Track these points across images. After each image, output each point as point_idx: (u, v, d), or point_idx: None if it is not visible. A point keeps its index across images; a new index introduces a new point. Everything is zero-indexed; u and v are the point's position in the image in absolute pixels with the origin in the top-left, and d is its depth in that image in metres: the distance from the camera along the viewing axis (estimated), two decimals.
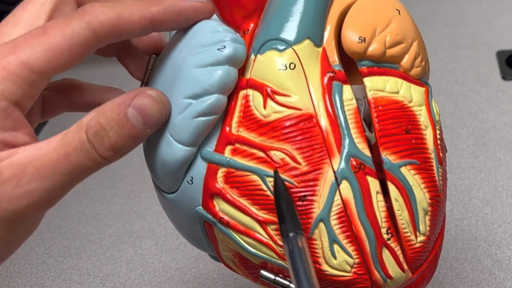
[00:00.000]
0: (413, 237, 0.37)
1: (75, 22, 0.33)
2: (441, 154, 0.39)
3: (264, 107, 0.37)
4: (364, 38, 0.38)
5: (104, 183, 0.69)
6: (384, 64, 0.38)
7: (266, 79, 0.37)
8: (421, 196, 0.37)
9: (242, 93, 0.37)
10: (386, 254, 0.36)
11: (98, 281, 0.57)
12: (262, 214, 0.36)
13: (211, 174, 0.37)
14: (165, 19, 0.35)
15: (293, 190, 0.36)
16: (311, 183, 0.36)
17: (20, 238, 0.34)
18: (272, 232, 0.36)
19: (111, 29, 0.34)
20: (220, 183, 0.37)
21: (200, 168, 0.38)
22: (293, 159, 0.36)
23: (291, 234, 0.34)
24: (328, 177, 0.36)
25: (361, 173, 0.36)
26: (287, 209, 0.35)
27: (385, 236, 0.36)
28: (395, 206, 0.37)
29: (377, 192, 0.36)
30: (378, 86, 0.38)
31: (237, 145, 0.37)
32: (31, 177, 0.32)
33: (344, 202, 0.36)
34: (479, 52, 0.82)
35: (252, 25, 0.39)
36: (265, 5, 0.39)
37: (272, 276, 0.38)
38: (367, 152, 0.36)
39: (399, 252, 0.36)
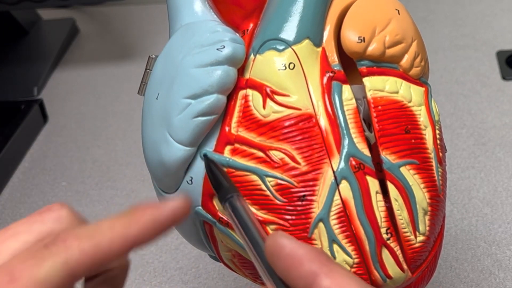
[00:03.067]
0: (412, 237, 0.37)
1: (48, 262, 0.27)
2: (440, 154, 0.39)
3: (264, 107, 0.37)
4: (364, 38, 0.38)
5: (104, 183, 0.69)
6: (384, 64, 0.38)
7: (265, 79, 0.37)
8: (421, 196, 0.37)
9: (241, 93, 0.37)
10: (385, 254, 0.36)
11: None
12: (261, 214, 0.36)
13: None
14: (146, 237, 0.29)
15: (292, 190, 0.36)
16: (311, 183, 0.36)
17: None
18: (271, 232, 0.36)
19: (90, 265, 0.28)
20: None
21: (199, 168, 0.38)
22: (293, 159, 0.36)
23: (230, 195, 0.34)
24: (327, 177, 0.36)
25: (360, 173, 0.36)
26: (222, 176, 0.35)
27: (385, 236, 0.36)
28: (395, 206, 0.37)
29: (377, 192, 0.36)
30: (377, 86, 0.38)
31: (237, 145, 0.37)
32: None
33: (343, 202, 0.36)
34: (479, 52, 0.82)
35: (251, 25, 0.39)
36: (264, 5, 0.39)
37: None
38: (366, 152, 0.36)
39: (398, 252, 0.36)
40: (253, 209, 0.37)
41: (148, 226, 0.29)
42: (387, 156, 0.37)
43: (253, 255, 0.31)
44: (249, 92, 0.37)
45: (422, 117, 0.39)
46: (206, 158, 0.37)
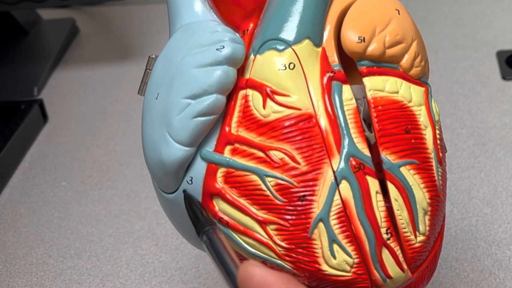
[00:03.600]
0: (412, 237, 0.37)
1: None
2: (440, 154, 0.39)
3: (264, 107, 0.37)
4: (364, 38, 0.38)
5: (104, 183, 0.69)
6: (384, 64, 0.38)
7: (265, 79, 0.37)
8: (421, 196, 0.37)
9: (241, 93, 0.37)
10: (385, 254, 0.36)
11: (98, 281, 0.57)
12: (261, 214, 0.36)
13: (210, 174, 0.37)
14: None
15: (292, 190, 0.36)
16: (311, 183, 0.36)
17: None
18: (271, 232, 0.36)
19: None
20: (219, 183, 0.37)
21: (199, 168, 0.38)
22: (293, 159, 0.36)
23: (207, 228, 0.36)
24: (327, 177, 0.36)
25: (360, 173, 0.36)
26: (199, 210, 0.37)
27: (385, 236, 0.36)
28: (395, 206, 0.37)
29: (377, 192, 0.36)
30: (377, 86, 0.38)
31: (237, 145, 0.37)
32: None
33: (343, 202, 0.36)
34: (479, 52, 0.82)
35: (251, 25, 0.39)
36: (264, 5, 0.39)
37: None
38: (366, 152, 0.36)
39: (398, 252, 0.36)
40: (253, 209, 0.37)
41: None
42: (387, 156, 0.37)
43: (228, 285, 0.32)
44: (249, 92, 0.37)
45: (422, 117, 0.39)
46: (184, 193, 0.38)
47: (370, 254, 0.36)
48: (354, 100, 0.37)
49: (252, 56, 0.38)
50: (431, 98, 0.40)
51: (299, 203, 0.36)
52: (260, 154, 0.36)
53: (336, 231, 0.36)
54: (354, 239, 0.36)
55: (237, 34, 0.38)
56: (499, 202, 0.61)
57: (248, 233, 0.37)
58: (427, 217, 0.38)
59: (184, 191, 0.38)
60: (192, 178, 0.38)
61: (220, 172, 0.37)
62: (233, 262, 0.33)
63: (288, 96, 0.37)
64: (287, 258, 0.36)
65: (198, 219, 0.37)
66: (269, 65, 0.37)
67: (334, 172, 0.36)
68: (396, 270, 0.36)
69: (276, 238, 0.36)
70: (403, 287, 0.38)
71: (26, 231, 0.64)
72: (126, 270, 0.58)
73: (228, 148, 0.37)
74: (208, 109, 0.37)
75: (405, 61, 0.39)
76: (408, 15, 0.41)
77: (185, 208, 0.38)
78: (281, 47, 0.37)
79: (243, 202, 0.37)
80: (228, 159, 0.37)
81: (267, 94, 0.37)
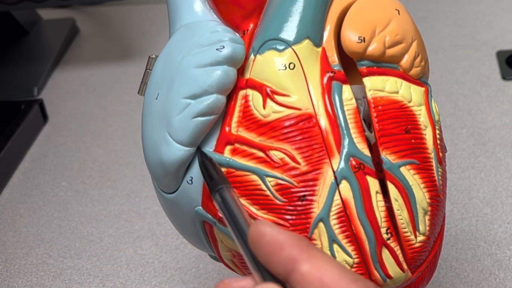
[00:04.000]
0: (412, 237, 0.37)
1: None
2: (440, 154, 0.39)
3: (264, 107, 0.37)
4: (364, 38, 0.38)
5: (104, 183, 0.69)
6: (384, 64, 0.38)
7: (265, 79, 0.37)
8: (421, 196, 0.37)
9: (241, 93, 0.37)
10: (385, 254, 0.36)
11: (98, 281, 0.57)
12: (261, 214, 0.36)
13: None
14: None
15: (292, 190, 0.36)
16: (311, 183, 0.36)
17: None
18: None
19: None
20: None
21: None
22: (293, 159, 0.36)
23: (220, 187, 0.35)
24: (327, 177, 0.36)
25: (360, 173, 0.36)
26: (213, 168, 0.36)
27: (385, 236, 0.36)
28: (395, 206, 0.37)
29: (377, 192, 0.36)
30: (377, 86, 0.38)
31: (237, 145, 0.37)
32: None
33: (343, 202, 0.36)
34: (479, 52, 0.82)
35: (251, 25, 0.39)
36: (264, 5, 0.39)
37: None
38: (366, 152, 0.36)
39: (398, 252, 0.36)
40: (253, 209, 0.37)
41: None
42: (387, 156, 0.37)
43: (239, 244, 0.32)
44: (249, 92, 0.37)
45: (422, 117, 0.39)
46: (199, 151, 0.37)
47: (370, 254, 0.36)
48: (354, 100, 0.37)
49: (252, 56, 0.38)
50: (431, 98, 0.40)
51: (299, 203, 0.36)
52: (260, 154, 0.36)
53: (336, 231, 0.36)
54: (354, 239, 0.36)
55: (237, 34, 0.38)
56: (499, 202, 0.61)
57: None
58: (427, 217, 0.38)
59: (199, 149, 0.37)
60: (192, 178, 0.38)
61: None
62: (245, 221, 0.33)
63: (288, 96, 0.37)
64: None
65: (212, 177, 0.36)
66: (269, 65, 0.37)
67: (334, 172, 0.36)
68: (396, 270, 0.36)
69: None
70: (403, 287, 0.38)
71: (26, 231, 0.64)
72: (126, 270, 0.58)
73: (228, 148, 0.37)
74: (208, 109, 0.37)
75: (405, 61, 0.39)
76: (408, 15, 0.41)
77: (199, 167, 0.37)
78: (281, 47, 0.37)
79: (243, 202, 0.37)
80: (228, 159, 0.37)
81: (267, 94, 0.37)
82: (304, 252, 0.29)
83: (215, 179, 0.36)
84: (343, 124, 0.37)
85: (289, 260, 0.29)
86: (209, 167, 0.36)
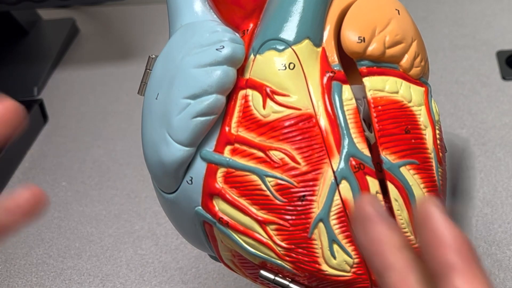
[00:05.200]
0: (412, 237, 0.37)
1: None
2: (440, 154, 0.39)
3: (264, 107, 0.37)
4: (364, 38, 0.38)
5: (104, 183, 0.69)
6: (384, 64, 0.38)
7: (265, 79, 0.37)
8: (421, 196, 0.37)
9: (241, 93, 0.37)
10: None
11: (98, 281, 0.57)
12: (261, 214, 0.36)
13: (210, 174, 0.37)
14: None
15: (292, 190, 0.36)
16: (311, 183, 0.36)
17: None
18: (271, 232, 0.36)
19: None
20: (219, 183, 0.37)
21: (199, 168, 0.38)
22: (293, 159, 0.36)
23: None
24: (327, 177, 0.36)
25: (360, 173, 0.36)
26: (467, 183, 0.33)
27: None
28: (395, 206, 0.37)
29: (377, 192, 0.36)
30: (377, 86, 0.38)
31: (237, 145, 0.37)
32: None
33: (343, 202, 0.36)
34: (479, 52, 0.82)
35: (251, 25, 0.39)
36: (264, 5, 0.39)
37: (271, 276, 0.38)
38: (366, 152, 0.36)
39: None
40: (253, 209, 0.37)
41: None
42: (387, 156, 0.37)
43: None
44: (249, 92, 0.37)
45: (422, 117, 0.39)
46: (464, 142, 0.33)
47: None
48: (354, 100, 0.37)
49: (252, 56, 0.38)
50: (431, 98, 0.40)
51: (299, 203, 0.36)
52: (260, 154, 0.36)
53: (336, 231, 0.36)
54: (354, 239, 0.36)
55: (237, 34, 0.38)
56: (499, 202, 0.61)
57: (248, 233, 0.37)
58: None
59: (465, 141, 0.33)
60: (192, 178, 0.38)
61: (220, 172, 0.37)
62: None
63: (288, 96, 0.37)
64: (287, 258, 0.36)
65: (465, 191, 0.32)
66: (269, 65, 0.37)
67: (334, 172, 0.36)
68: None
69: (276, 238, 0.36)
70: None
71: (26, 231, 0.64)
72: (126, 270, 0.58)
73: (228, 148, 0.37)
74: (208, 109, 0.37)
75: (405, 61, 0.39)
76: (408, 15, 0.41)
77: (457, 164, 0.33)
78: (281, 47, 0.37)
79: (243, 202, 0.37)
80: (228, 159, 0.37)
81: (267, 94, 0.37)
82: (465, 263, 0.27)
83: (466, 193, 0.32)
84: (343, 124, 0.37)
85: (447, 264, 0.27)
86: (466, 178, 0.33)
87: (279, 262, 0.37)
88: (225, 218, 0.37)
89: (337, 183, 0.36)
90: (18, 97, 0.87)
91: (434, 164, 0.38)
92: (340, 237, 0.36)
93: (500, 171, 0.64)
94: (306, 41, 0.38)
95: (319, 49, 0.38)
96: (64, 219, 0.65)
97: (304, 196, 0.36)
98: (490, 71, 0.79)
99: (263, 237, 0.37)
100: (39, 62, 0.88)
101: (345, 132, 0.36)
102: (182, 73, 0.37)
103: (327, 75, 0.37)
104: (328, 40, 0.38)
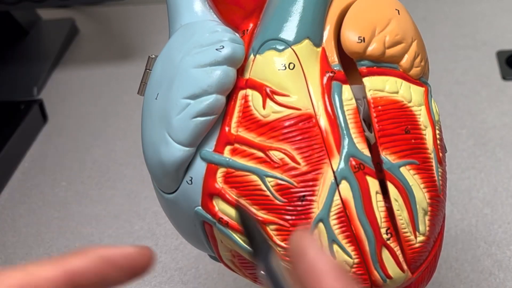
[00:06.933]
0: (412, 237, 0.37)
1: None
2: (440, 154, 0.39)
3: (264, 107, 0.37)
4: (364, 38, 0.38)
5: (104, 183, 0.68)
6: (384, 64, 0.38)
7: (265, 79, 0.37)
8: (421, 196, 0.37)
9: (241, 93, 0.37)
10: (385, 254, 0.36)
11: None
12: (261, 214, 0.36)
13: (210, 174, 0.37)
14: (91, 271, 0.27)
15: (292, 190, 0.36)
16: (311, 183, 0.36)
17: None
18: (271, 232, 0.36)
19: None
20: (219, 183, 0.37)
21: (199, 168, 0.38)
22: (293, 159, 0.36)
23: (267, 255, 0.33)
24: (327, 177, 0.36)
25: (360, 173, 0.36)
26: (259, 232, 0.34)
27: (385, 236, 0.36)
28: (395, 206, 0.37)
29: (377, 192, 0.36)
30: (377, 86, 0.38)
31: (237, 145, 0.37)
32: None
33: (343, 202, 0.36)
34: (479, 52, 0.82)
35: (251, 25, 0.39)
36: (264, 5, 0.39)
37: None
38: (366, 152, 0.36)
39: (398, 252, 0.36)
40: (253, 209, 0.37)
41: (92, 260, 0.27)
42: (387, 156, 0.37)
43: None
44: (249, 92, 0.37)
45: (422, 117, 0.39)
46: (239, 210, 0.36)
47: (370, 254, 0.36)
48: (354, 100, 0.37)
49: (252, 56, 0.38)
50: (431, 98, 0.40)
51: (299, 203, 0.36)
52: (260, 154, 0.36)
53: (336, 231, 0.36)
54: (354, 239, 0.36)
55: (237, 34, 0.38)
56: (499, 202, 0.61)
57: None
58: (427, 217, 0.38)
59: (238, 207, 0.36)
60: (192, 178, 0.38)
61: (220, 172, 0.37)
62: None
63: (288, 96, 0.37)
64: (287, 259, 0.36)
65: (261, 243, 0.33)
66: (269, 65, 0.37)
67: (334, 172, 0.36)
68: (396, 270, 0.36)
69: (276, 238, 0.36)
70: (403, 287, 0.38)
71: (26, 231, 0.64)
72: None
73: (228, 148, 0.37)
74: (208, 109, 0.36)
75: (405, 61, 0.39)
76: (408, 15, 0.41)
77: (241, 225, 0.35)
78: (281, 47, 0.37)
79: (243, 202, 0.37)
80: (228, 159, 0.37)
81: (267, 94, 0.37)
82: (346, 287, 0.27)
83: (263, 245, 0.33)
84: (343, 124, 0.37)
85: None
86: (255, 230, 0.33)
87: None
88: (225, 218, 0.37)
89: (337, 183, 0.36)
90: (17, 97, 0.87)
91: (434, 164, 0.38)
92: (340, 237, 0.36)
93: (500, 171, 0.64)
94: (306, 41, 0.38)
95: (319, 49, 0.38)
96: (64, 219, 0.65)
97: (304, 196, 0.36)
98: (490, 71, 0.79)
99: None
100: (38, 62, 0.88)
101: (345, 132, 0.36)
102: (182, 73, 0.37)
103: (327, 75, 0.37)
104: (328, 40, 0.38)
